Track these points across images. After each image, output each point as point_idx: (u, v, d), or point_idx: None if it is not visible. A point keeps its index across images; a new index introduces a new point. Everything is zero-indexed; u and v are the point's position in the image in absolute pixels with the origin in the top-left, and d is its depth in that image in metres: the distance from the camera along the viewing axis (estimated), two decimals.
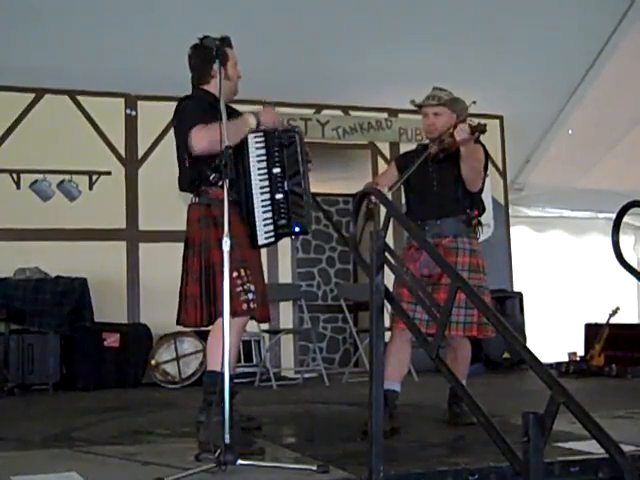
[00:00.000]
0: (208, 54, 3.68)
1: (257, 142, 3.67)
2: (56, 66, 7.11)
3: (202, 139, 3.60)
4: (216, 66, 3.62)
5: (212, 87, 3.79)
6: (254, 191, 3.61)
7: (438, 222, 4.24)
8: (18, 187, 7.46)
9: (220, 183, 3.59)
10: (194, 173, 3.73)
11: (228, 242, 3.07)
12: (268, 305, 3.97)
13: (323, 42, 7.38)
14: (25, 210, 7.42)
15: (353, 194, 3.40)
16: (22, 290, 6.80)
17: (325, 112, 8.45)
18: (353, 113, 8.60)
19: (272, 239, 3.72)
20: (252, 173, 3.59)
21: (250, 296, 3.64)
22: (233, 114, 3.77)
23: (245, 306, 3.62)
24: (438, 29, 7.47)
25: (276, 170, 3.67)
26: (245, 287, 3.62)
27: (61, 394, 6.57)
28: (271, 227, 3.68)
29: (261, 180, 3.65)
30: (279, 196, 3.66)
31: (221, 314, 3.57)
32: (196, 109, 3.73)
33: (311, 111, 8.31)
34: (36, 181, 7.51)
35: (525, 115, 8.63)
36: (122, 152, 7.76)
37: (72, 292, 6.89)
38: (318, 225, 9.13)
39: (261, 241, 3.68)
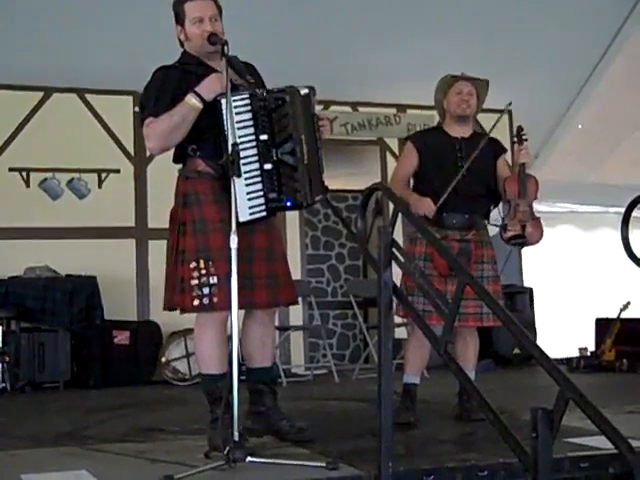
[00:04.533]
0: (174, 16, 3.52)
1: (240, 105, 3.23)
2: (64, 65, 7.11)
3: (151, 135, 3.38)
4: (178, 28, 3.50)
5: (188, 48, 3.53)
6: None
7: (466, 216, 4.26)
8: (27, 186, 7.48)
9: (199, 154, 3.37)
10: (180, 144, 3.43)
11: (235, 239, 2.97)
12: (268, 288, 3.50)
13: (331, 38, 7.36)
14: (34, 208, 7.44)
15: (362, 190, 3.34)
16: (32, 288, 6.82)
17: (333, 108, 8.43)
18: (361, 109, 8.58)
19: (263, 213, 3.30)
20: (229, 141, 3.09)
21: (206, 291, 3.25)
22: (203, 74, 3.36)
23: (197, 302, 3.26)
24: (446, 25, 7.44)
25: (263, 137, 3.24)
26: (202, 280, 3.26)
27: (72, 392, 6.58)
28: (261, 200, 3.28)
29: (248, 148, 3.23)
30: (268, 166, 3.26)
31: (185, 306, 3.31)
32: (156, 87, 3.45)
33: (319, 107, 8.28)
34: (45, 179, 7.53)
35: (534, 110, 8.58)
36: (131, 150, 7.77)
37: (82, 290, 6.91)
38: (327, 222, 9.13)
39: (244, 217, 3.21)
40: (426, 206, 4.14)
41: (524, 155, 4.31)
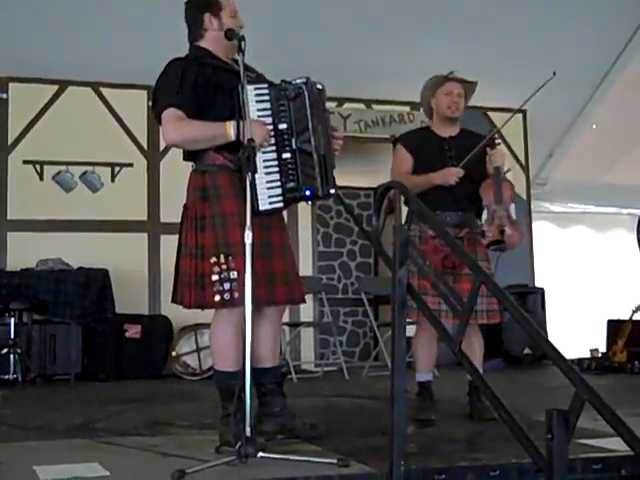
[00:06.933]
0: (200, 4, 3.47)
1: (260, 94, 3.25)
2: (79, 58, 7.14)
3: (176, 132, 3.32)
4: (207, 16, 3.43)
5: (207, 42, 3.46)
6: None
7: (459, 214, 4.28)
8: (41, 178, 7.52)
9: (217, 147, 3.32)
10: None
11: (250, 235, 2.92)
12: (286, 285, 3.43)
13: (345, 35, 7.36)
14: (48, 201, 7.47)
15: (375, 188, 3.32)
16: (44, 281, 6.84)
17: (347, 105, 8.43)
18: (375, 107, 8.58)
19: (280, 204, 3.29)
20: (246, 135, 3.04)
21: (227, 286, 3.23)
22: (230, 72, 3.36)
23: (218, 297, 3.24)
24: (461, 24, 7.43)
25: (282, 126, 3.26)
26: (223, 276, 3.23)
27: (82, 384, 6.61)
28: (278, 190, 3.27)
29: None
30: (286, 155, 3.26)
31: (206, 302, 3.30)
32: (177, 78, 3.35)
33: (333, 104, 8.28)
34: (59, 172, 7.56)
35: (548, 110, 8.56)
36: (144, 144, 7.79)
37: (94, 283, 6.92)
38: (339, 218, 9.12)
39: (263, 206, 3.21)
40: (453, 172, 4.17)
41: (497, 158, 4.24)
